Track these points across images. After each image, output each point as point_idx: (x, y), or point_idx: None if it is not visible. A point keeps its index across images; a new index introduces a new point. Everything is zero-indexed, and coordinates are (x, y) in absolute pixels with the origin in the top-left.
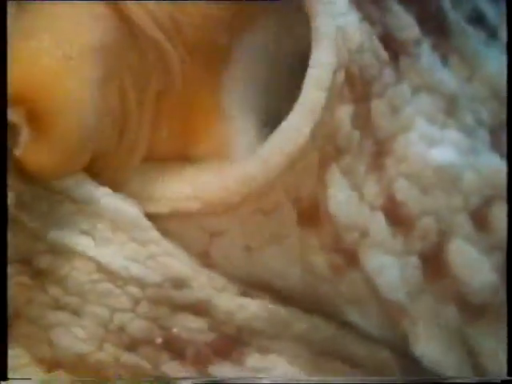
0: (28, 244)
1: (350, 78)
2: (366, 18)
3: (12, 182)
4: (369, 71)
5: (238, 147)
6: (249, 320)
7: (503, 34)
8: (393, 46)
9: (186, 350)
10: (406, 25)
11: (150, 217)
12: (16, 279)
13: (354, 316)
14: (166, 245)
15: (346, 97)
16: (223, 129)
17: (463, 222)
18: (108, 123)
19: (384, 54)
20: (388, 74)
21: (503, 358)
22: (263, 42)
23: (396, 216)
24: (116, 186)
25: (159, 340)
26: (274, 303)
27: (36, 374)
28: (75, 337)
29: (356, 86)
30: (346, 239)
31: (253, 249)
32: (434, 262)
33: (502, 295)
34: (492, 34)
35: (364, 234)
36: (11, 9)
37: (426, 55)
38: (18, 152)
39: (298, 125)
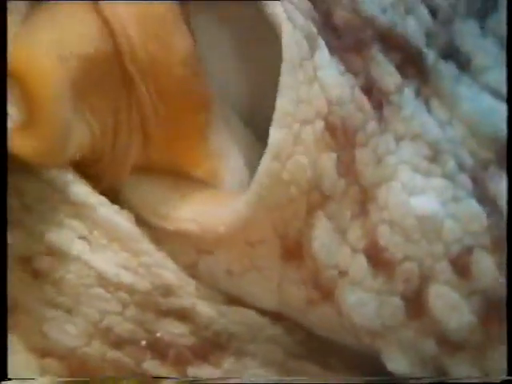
0: (28, 244)
1: (330, 128)
2: (349, 69)
3: (16, 183)
4: (352, 122)
5: (228, 182)
6: (227, 325)
7: (478, 60)
8: (377, 95)
9: (168, 351)
10: (388, 72)
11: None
12: (17, 275)
13: (329, 336)
14: (158, 256)
15: (328, 145)
16: (212, 164)
17: (444, 269)
18: (97, 126)
19: (367, 105)
20: (372, 124)
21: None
22: None
23: (378, 259)
24: (113, 194)
25: (143, 342)
26: (250, 310)
27: (28, 360)
28: (66, 332)
29: (338, 136)
30: (324, 276)
31: (234, 273)
32: (415, 303)
33: (481, 335)
34: (463, 67)
35: (343, 273)
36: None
37: (409, 102)
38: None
39: (268, 169)
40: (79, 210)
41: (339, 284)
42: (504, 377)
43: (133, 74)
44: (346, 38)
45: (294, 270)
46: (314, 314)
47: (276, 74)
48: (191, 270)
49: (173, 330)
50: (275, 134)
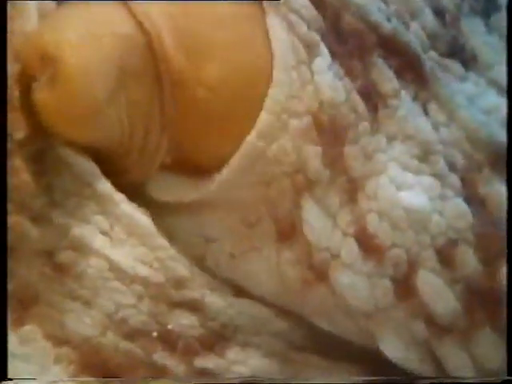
0: (53, 239)
1: (317, 124)
2: (349, 73)
3: (47, 179)
4: (342, 121)
5: None
6: (233, 317)
7: (484, 56)
8: (373, 98)
9: (177, 342)
10: (387, 78)
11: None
12: (39, 269)
13: (322, 323)
14: (171, 251)
15: (313, 140)
16: None
17: (430, 257)
18: (129, 121)
19: (362, 107)
20: (364, 124)
21: (467, 369)
22: None
23: (367, 244)
24: (136, 189)
25: (155, 334)
26: (257, 303)
27: (43, 348)
28: (83, 322)
29: (325, 133)
30: (318, 258)
31: (236, 256)
32: (404, 286)
33: (465, 321)
34: (469, 64)
35: (335, 255)
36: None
37: (405, 105)
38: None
39: (253, 145)
40: (103, 206)
41: (332, 266)
42: (504, 377)
43: (164, 77)
44: (350, 44)
45: (289, 251)
46: (311, 296)
47: None
48: (200, 264)
49: (183, 322)
50: (264, 117)
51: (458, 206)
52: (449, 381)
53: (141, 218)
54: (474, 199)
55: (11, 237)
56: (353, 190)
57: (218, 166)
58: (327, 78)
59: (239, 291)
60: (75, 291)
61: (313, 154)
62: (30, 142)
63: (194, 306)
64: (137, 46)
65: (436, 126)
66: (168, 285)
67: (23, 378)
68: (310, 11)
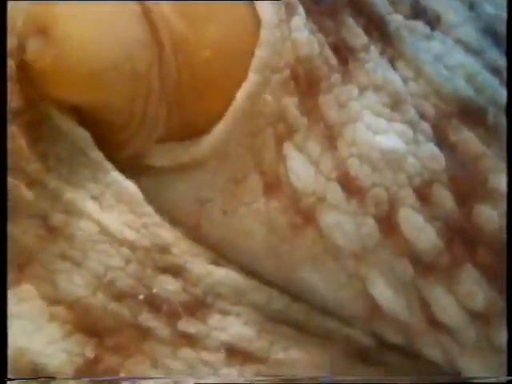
0: (47, 203)
1: (295, 78)
2: (322, 30)
3: (42, 147)
4: (316, 73)
5: None
6: (214, 285)
7: (448, 17)
8: (343, 52)
9: (162, 306)
10: (356, 34)
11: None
12: (33, 231)
13: (310, 274)
14: (156, 217)
15: (291, 91)
16: None
17: (408, 196)
18: (126, 86)
19: (334, 61)
20: (336, 76)
21: (452, 309)
22: None
23: (350, 186)
24: (134, 162)
25: (141, 296)
26: (237, 273)
27: (39, 307)
28: (74, 282)
29: (301, 84)
30: (304, 203)
31: (228, 212)
32: (387, 224)
33: (448, 257)
34: (433, 25)
35: (321, 198)
36: None
37: (374, 59)
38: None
39: (241, 104)
40: (95, 173)
41: (318, 208)
42: (509, 377)
43: (166, 44)
44: (323, 4)
45: (276, 200)
46: (300, 241)
47: None
48: (195, 232)
49: (167, 287)
50: (252, 77)
51: (430, 149)
52: (452, 381)
53: (129, 185)
54: (445, 145)
55: (8, 200)
56: (332, 138)
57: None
58: (303, 35)
59: (222, 257)
60: (67, 252)
61: (291, 104)
62: (26, 111)
63: (177, 272)
64: (136, 15)
65: (405, 80)
66: (153, 250)
67: (23, 378)
68: None
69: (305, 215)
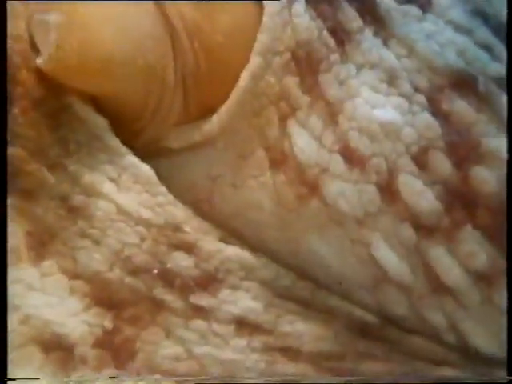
0: (67, 185)
1: (296, 59)
2: (320, 15)
3: (63, 133)
4: (316, 55)
5: None
6: (224, 261)
7: (438, 1)
8: (340, 34)
9: (175, 280)
10: (351, 18)
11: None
12: (55, 211)
13: (316, 243)
14: (170, 197)
15: (292, 71)
16: None
17: (407, 163)
18: (139, 78)
19: (332, 43)
20: (335, 56)
21: (455, 270)
22: None
23: (351, 157)
24: (151, 147)
25: (155, 271)
26: (246, 251)
27: (60, 281)
28: (93, 258)
29: (302, 65)
30: (309, 174)
31: (237, 185)
32: (388, 190)
33: (447, 219)
34: (425, 8)
35: (324, 169)
36: None
37: (368, 40)
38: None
39: (245, 85)
40: (112, 157)
41: (321, 179)
42: (509, 377)
43: (180, 31)
44: None
45: (282, 174)
46: (306, 210)
47: None
48: (205, 205)
49: (180, 262)
50: (254, 60)
51: (426, 119)
52: (450, 381)
53: (144, 168)
54: (439, 114)
55: (31, 183)
56: (333, 114)
57: None
58: (304, 20)
59: (229, 237)
60: (86, 230)
61: (292, 83)
62: (48, 100)
63: (189, 249)
64: (149, 10)
65: (398, 57)
66: (167, 228)
67: (23, 378)
68: None
69: (309, 186)
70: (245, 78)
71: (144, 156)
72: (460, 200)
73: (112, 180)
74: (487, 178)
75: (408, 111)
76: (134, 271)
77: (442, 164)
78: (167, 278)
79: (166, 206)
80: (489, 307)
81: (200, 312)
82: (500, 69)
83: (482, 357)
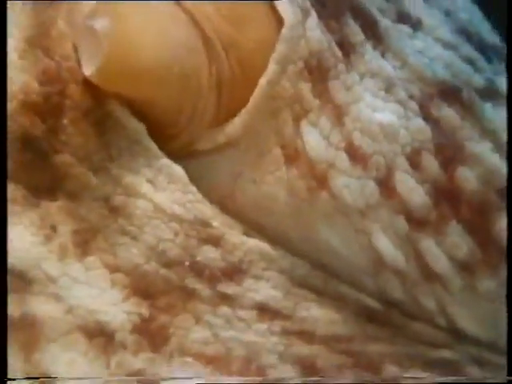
0: (109, 187)
1: (308, 67)
2: (329, 30)
3: (106, 139)
4: (326, 64)
5: None
6: (246, 253)
7: (428, 21)
8: (346, 47)
9: (204, 271)
10: (355, 32)
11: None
12: (98, 211)
13: (325, 233)
14: (199, 195)
15: (305, 77)
16: None
17: (402, 162)
18: (175, 87)
19: (339, 53)
20: (341, 65)
21: (442, 258)
22: None
23: (355, 155)
24: (186, 149)
25: (187, 263)
26: (266, 243)
27: (103, 274)
28: (132, 253)
29: (314, 72)
30: (318, 170)
31: (257, 181)
32: (385, 186)
33: (435, 213)
34: (416, 27)
35: (332, 165)
36: None
37: (369, 52)
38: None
39: (263, 90)
40: (149, 160)
41: (329, 173)
42: (509, 377)
43: (215, 42)
44: (329, 9)
45: (295, 169)
46: (315, 201)
47: None
48: (230, 200)
49: (209, 255)
50: (271, 67)
51: (418, 123)
52: (451, 382)
53: (177, 169)
54: (429, 119)
55: (77, 186)
56: (340, 116)
57: None
58: (316, 33)
59: (252, 229)
60: (126, 228)
61: (305, 88)
62: (94, 109)
63: (216, 242)
64: (185, 22)
65: (394, 68)
66: (196, 223)
67: (23, 378)
68: None
69: (319, 179)
70: (263, 83)
71: (176, 158)
72: (446, 197)
73: (149, 181)
74: (470, 178)
75: (403, 116)
76: (168, 264)
77: (431, 164)
78: (197, 269)
79: (195, 204)
80: (471, 293)
81: (226, 299)
82: (482, 80)
83: (470, 338)
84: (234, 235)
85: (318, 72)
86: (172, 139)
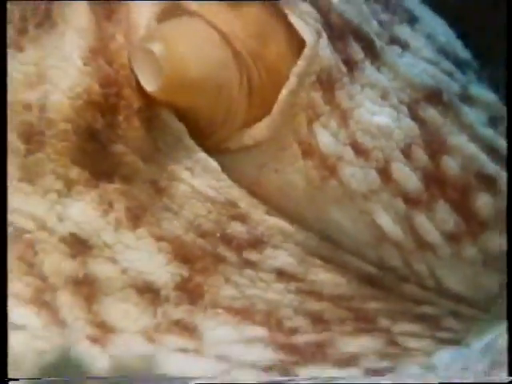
0: (156, 172)
1: (319, 79)
2: (336, 49)
3: (152, 133)
4: (333, 77)
5: None
6: (268, 228)
7: (414, 44)
8: (350, 64)
9: (232, 241)
10: (357, 51)
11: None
12: (147, 191)
13: (335, 213)
14: (229, 181)
15: (317, 88)
16: None
17: (397, 154)
18: (213, 97)
19: (344, 69)
20: (346, 79)
21: (433, 231)
22: None
23: (358, 149)
24: (219, 146)
25: (218, 235)
26: (284, 221)
27: (150, 242)
28: (174, 226)
29: (324, 84)
30: (329, 161)
31: (279, 170)
32: (384, 174)
33: (426, 195)
34: (404, 48)
35: (340, 158)
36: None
37: (368, 68)
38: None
39: (285, 98)
40: (188, 153)
41: (338, 165)
42: (509, 377)
43: (245, 56)
44: (335, 31)
45: (310, 161)
46: (327, 187)
47: None
48: (256, 186)
49: (236, 229)
50: (292, 79)
51: (408, 123)
52: (455, 381)
53: (211, 161)
54: (417, 119)
55: (130, 171)
56: (345, 119)
57: None
58: (326, 52)
59: (272, 210)
60: (169, 205)
61: (317, 97)
62: (143, 110)
63: (242, 219)
64: (219, 42)
65: (388, 80)
66: (227, 204)
67: (23, 378)
68: (314, 13)
69: (330, 170)
70: (285, 93)
71: (210, 152)
72: (434, 181)
73: (188, 169)
74: (452, 165)
75: (396, 118)
76: (203, 235)
77: (421, 155)
78: (226, 239)
79: (226, 189)
80: (457, 258)
81: (250, 264)
82: (458, 88)
83: (453, 294)
84: (258, 214)
85: (327, 84)
86: (208, 137)
